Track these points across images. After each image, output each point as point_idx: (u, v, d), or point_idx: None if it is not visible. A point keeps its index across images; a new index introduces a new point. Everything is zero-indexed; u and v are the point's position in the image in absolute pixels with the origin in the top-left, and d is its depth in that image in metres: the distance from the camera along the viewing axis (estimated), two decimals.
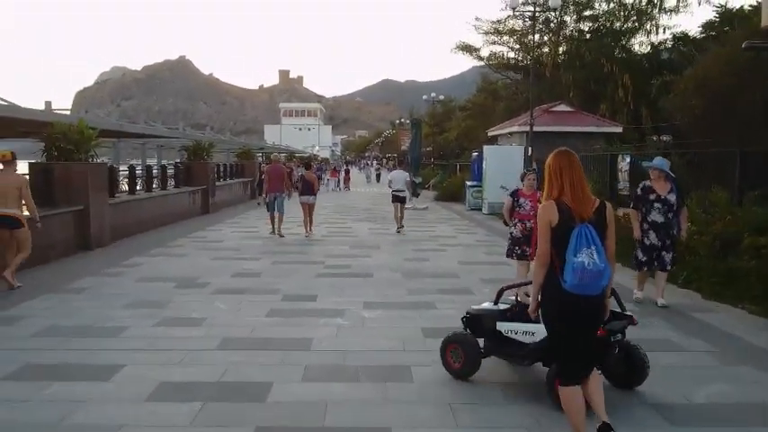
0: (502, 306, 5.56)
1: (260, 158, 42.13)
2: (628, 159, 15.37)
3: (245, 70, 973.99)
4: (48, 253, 11.59)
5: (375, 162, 72.44)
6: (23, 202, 9.26)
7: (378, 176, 51.27)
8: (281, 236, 15.66)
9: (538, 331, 4.88)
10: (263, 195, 16.97)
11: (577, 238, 3.86)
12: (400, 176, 18.31)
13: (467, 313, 5.71)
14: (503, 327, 5.32)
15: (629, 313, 5.08)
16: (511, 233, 8.95)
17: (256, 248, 13.66)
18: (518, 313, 5.31)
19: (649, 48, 32.05)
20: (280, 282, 9.83)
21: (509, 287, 5.79)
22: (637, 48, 32.80)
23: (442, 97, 52.67)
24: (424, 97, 48.64)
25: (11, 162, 9.27)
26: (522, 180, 9.01)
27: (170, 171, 21.25)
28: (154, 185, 19.18)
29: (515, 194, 8.86)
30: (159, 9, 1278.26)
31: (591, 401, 4.12)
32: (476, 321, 5.59)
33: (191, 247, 13.81)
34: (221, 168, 27.81)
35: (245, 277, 10.25)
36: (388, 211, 22.11)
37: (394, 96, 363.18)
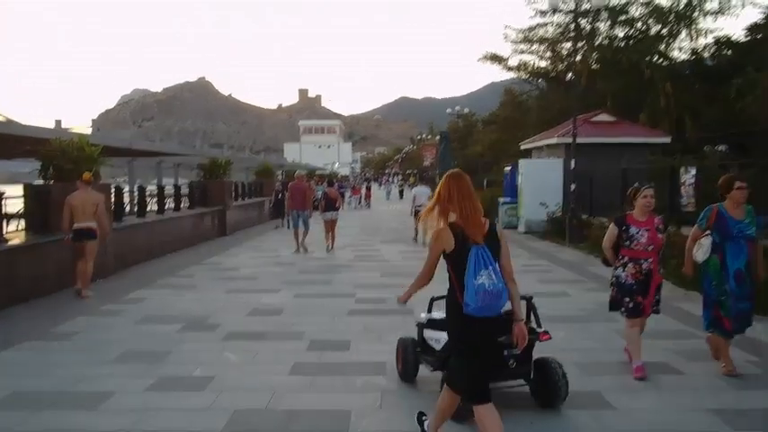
0: (435, 315, 5.56)
1: (279, 176, 40.92)
2: (693, 172, 13.65)
3: (263, 90, 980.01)
4: (38, 286, 10.16)
5: (398, 178, 70.90)
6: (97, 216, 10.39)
7: (401, 193, 49.79)
8: (306, 250, 15.81)
9: (441, 339, 5.07)
10: (285, 217, 17.13)
11: (475, 260, 3.84)
12: (423, 192, 18.78)
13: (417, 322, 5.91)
14: (426, 334, 5.60)
15: (540, 329, 5.27)
16: (617, 278, 6.24)
17: (277, 277, 12.10)
18: (439, 321, 5.24)
19: (690, 53, 30.21)
20: (304, 322, 8.25)
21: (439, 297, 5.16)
22: (676, 54, 30.99)
23: (467, 110, 51.10)
24: (448, 111, 47.18)
25: (89, 182, 10.56)
26: (632, 200, 6.26)
27: (184, 191, 19.87)
28: (166, 207, 17.81)
29: (623, 221, 6.19)
30: (179, 31, 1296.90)
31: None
32: (418, 329, 5.82)
33: (203, 276, 12.29)
34: (239, 187, 26.42)
35: (263, 316, 8.69)
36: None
37: (412, 113, 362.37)
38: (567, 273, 12.62)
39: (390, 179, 69.19)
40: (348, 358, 6.56)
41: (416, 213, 17.54)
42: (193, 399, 5.39)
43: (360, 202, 40.34)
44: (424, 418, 4.67)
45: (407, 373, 5.80)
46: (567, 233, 18.47)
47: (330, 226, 16.41)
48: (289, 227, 15.91)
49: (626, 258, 6.16)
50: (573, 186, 18.86)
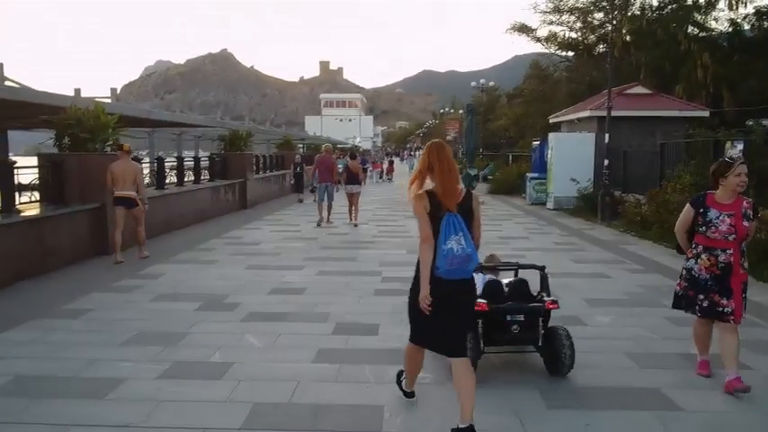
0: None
1: (300, 150, 40.36)
2: (740, 147, 12.85)
3: (285, 62, 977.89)
4: (51, 260, 9.76)
5: (419, 152, 70.13)
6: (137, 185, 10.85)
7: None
8: (331, 222, 16.20)
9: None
10: (310, 188, 17.85)
11: (446, 226, 4.00)
12: None
13: None
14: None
15: (548, 299, 5.39)
16: (688, 270, 5.18)
17: (299, 253, 11.61)
18: None
19: (728, 24, 28.98)
20: (329, 302, 7.74)
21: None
22: (714, 24, 29.76)
23: (492, 83, 49.96)
24: (473, 84, 46.08)
25: (128, 152, 11.03)
26: (719, 177, 5.02)
27: (204, 163, 19.41)
28: (186, 179, 17.37)
29: (701, 202, 5.08)
30: (202, 1, 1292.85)
31: (458, 394, 4.10)
32: None
33: (223, 251, 11.83)
34: (260, 160, 25.92)
35: (285, 294, 8.19)
36: None
37: (434, 87, 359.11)
38: (602, 252, 11.97)
39: (413, 153, 68.26)
40: (377, 344, 6.03)
41: None
42: (210, 389, 4.89)
43: (381, 177, 39.82)
44: (402, 378, 4.79)
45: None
46: (600, 210, 17.75)
47: (353, 199, 16.48)
48: (318, 199, 16.27)
49: (700, 248, 5.07)
50: (606, 162, 18.09)
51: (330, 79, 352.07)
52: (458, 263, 3.98)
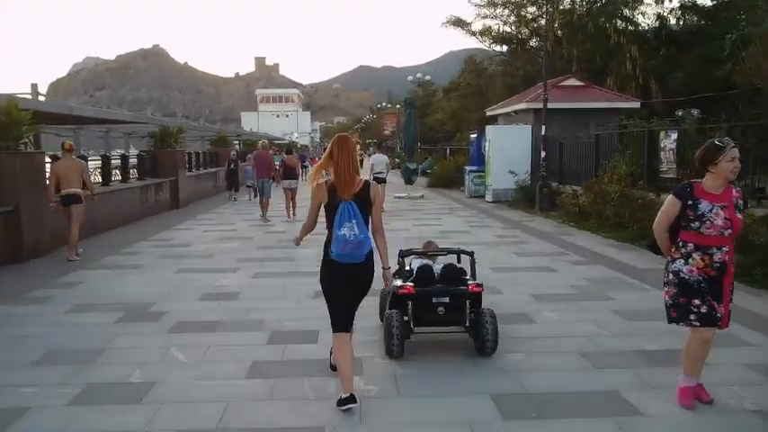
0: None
1: (236, 146, 39.35)
2: (674, 136, 12.92)
3: (219, 58, 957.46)
4: None
5: (358, 147, 69.57)
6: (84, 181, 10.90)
7: (361, 162, 48.70)
8: (268, 220, 15.90)
9: None
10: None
11: (341, 214, 4.30)
12: (381, 160, 19.27)
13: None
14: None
15: (473, 282, 5.68)
16: (677, 274, 4.39)
17: (233, 254, 11.02)
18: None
19: (655, 18, 29.64)
20: (264, 307, 7.23)
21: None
22: (641, 18, 30.40)
23: (428, 77, 49.96)
24: (410, 78, 45.91)
25: (70, 150, 10.97)
26: (707, 163, 4.29)
27: (133, 161, 18.48)
28: (114, 178, 16.46)
29: (689, 193, 4.30)
30: None
31: (338, 366, 4.50)
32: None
33: (151, 254, 11.13)
34: (193, 157, 24.99)
35: (217, 300, 7.63)
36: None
37: (371, 82, 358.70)
38: (545, 244, 11.83)
39: None
40: (317, 353, 5.58)
41: (375, 180, 17.21)
42: (127, 415, 4.33)
43: None
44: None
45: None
46: (538, 202, 17.76)
47: (292, 194, 16.40)
48: (257, 195, 16.89)
49: (690, 246, 4.31)
50: (543, 153, 18.10)
51: (266, 75, 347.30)
52: (350, 248, 4.29)
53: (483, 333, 5.37)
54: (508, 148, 20.21)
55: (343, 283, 4.46)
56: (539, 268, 9.42)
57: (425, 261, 6.11)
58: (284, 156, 17.94)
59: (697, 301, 4.31)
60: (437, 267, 5.96)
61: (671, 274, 4.46)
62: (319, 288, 6.03)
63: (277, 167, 17.39)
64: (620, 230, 12.63)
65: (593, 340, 5.87)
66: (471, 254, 6.08)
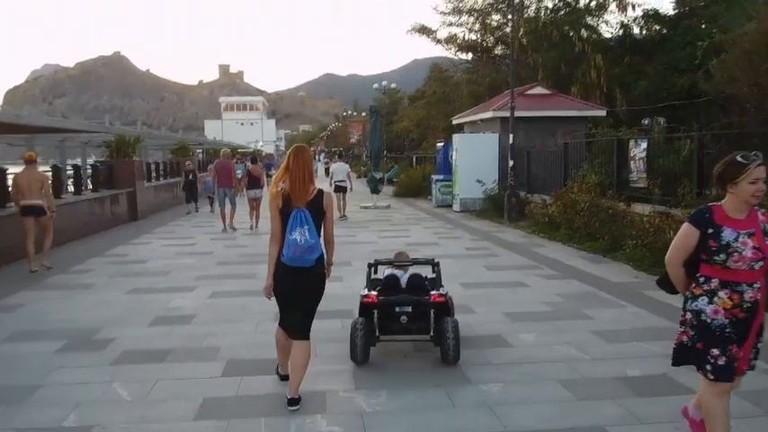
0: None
1: (199, 155, 38.50)
2: (644, 145, 12.74)
3: (183, 66, 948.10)
4: None
5: (323, 156, 68.96)
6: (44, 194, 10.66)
7: (326, 171, 48.16)
8: (234, 229, 15.82)
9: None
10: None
11: (293, 220, 4.53)
12: (342, 168, 19.74)
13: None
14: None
15: (435, 292, 5.72)
16: (697, 314, 3.62)
17: (191, 271, 10.45)
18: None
19: (619, 27, 29.79)
20: (221, 332, 6.72)
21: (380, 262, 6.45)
22: (604, 27, 30.54)
23: (394, 85, 49.71)
24: (375, 86, 45.61)
25: (34, 161, 10.84)
26: (727, 183, 3.56)
27: (88, 172, 17.74)
28: (66, 190, 15.72)
29: (707, 219, 3.58)
30: (92, 3, 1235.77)
31: (291, 370, 4.79)
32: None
33: (103, 272, 10.49)
34: (152, 167, 24.23)
35: (170, 324, 7.09)
36: (349, 211, 19.27)
37: (336, 90, 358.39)
38: (515, 257, 11.51)
39: (317, 157, 67.25)
40: (276, 387, 5.10)
41: (336, 189, 18.39)
42: None
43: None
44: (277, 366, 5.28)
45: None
46: (506, 212, 17.50)
47: (255, 204, 16.31)
48: (219, 205, 16.34)
49: (715, 282, 3.56)
50: (512, 162, 17.86)
51: (231, 83, 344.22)
52: (300, 252, 4.51)
53: (445, 344, 5.47)
54: (475, 157, 19.96)
55: (291, 284, 4.68)
56: (511, 284, 9.07)
57: (394, 271, 6.18)
58: (249, 165, 17.67)
59: (716, 351, 3.54)
60: (405, 278, 6.03)
61: (690, 314, 3.66)
62: None
63: (239, 177, 17.10)
64: (590, 241, 12.38)
65: (573, 366, 5.49)
66: (436, 264, 6.26)
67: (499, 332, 6.55)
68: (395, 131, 49.80)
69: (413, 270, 6.32)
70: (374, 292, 5.78)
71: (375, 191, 23.56)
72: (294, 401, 4.65)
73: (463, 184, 20.31)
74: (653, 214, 10.83)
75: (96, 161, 19.61)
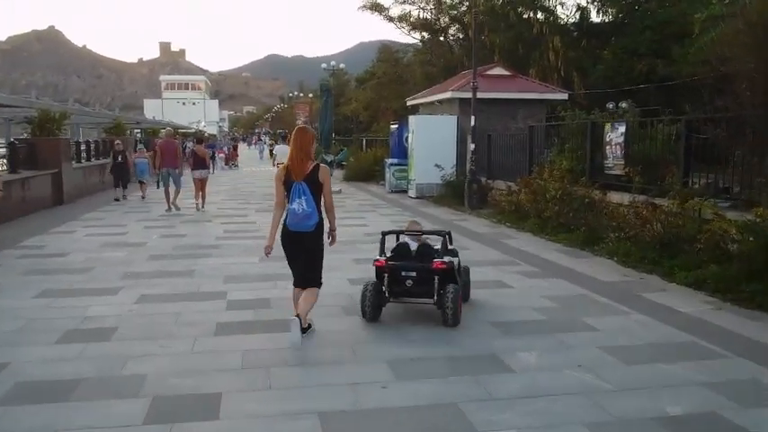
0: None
1: (137, 135, 36.31)
2: (621, 129, 11.80)
3: (122, 42, 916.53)
4: None
5: (268, 138, 66.75)
6: None
7: (271, 153, 46.42)
8: (178, 208, 15.66)
9: None
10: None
11: (294, 192, 5.34)
12: (285, 150, 19.48)
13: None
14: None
15: (439, 259, 6.15)
16: None
17: (118, 267, 8.97)
18: None
19: (576, 9, 29.08)
20: (147, 353, 5.36)
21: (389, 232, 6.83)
22: (560, 10, 29.83)
23: (343, 66, 48.09)
24: (323, 66, 43.76)
25: None
26: None
27: (2, 150, 15.85)
28: None
29: None
30: None
31: (300, 304, 5.50)
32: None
33: (12, 268, 8.90)
34: (82, 146, 22.25)
35: (83, 342, 5.67)
36: None
37: (281, 72, 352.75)
38: (487, 250, 10.43)
39: (262, 138, 65.07)
40: None
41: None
42: None
43: (226, 164, 36.72)
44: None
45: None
46: (467, 199, 16.45)
47: (200, 185, 16.08)
48: (161, 185, 16.05)
49: None
50: (473, 146, 16.79)
51: (172, 61, 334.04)
52: (298, 219, 5.29)
53: (445, 305, 5.94)
54: (433, 140, 18.82)
55: (294, 246, 5.49)
56: (490, 283, 7.95)
57: (406, 240, 6.66)
58: (194, 145, 17.47)
59: None
60: (415, 246, 6.47)
61: None
62: (223, 321, 6.26)
63: (185, 157, 16.71)
64: (564, 233, 11.41)
65: (597, 401, 4.37)
66: (446, 233, 6.68)
67: (493, 350, 5.40)
68: (342, 114, 48.38)
69: (425, 240, 6.76)
70: (383, 258, 6.26)
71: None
72: (305, 329, 5.42)
73: (420, 169, 19.17)
74: (639, 205, 9.87)
75: (15, 139, 17.62)
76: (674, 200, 9.25)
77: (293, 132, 5.54)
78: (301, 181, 5.32)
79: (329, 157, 22.73)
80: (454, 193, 17.51)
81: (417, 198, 18.93)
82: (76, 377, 4.81)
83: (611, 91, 22.95)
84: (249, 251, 10.16)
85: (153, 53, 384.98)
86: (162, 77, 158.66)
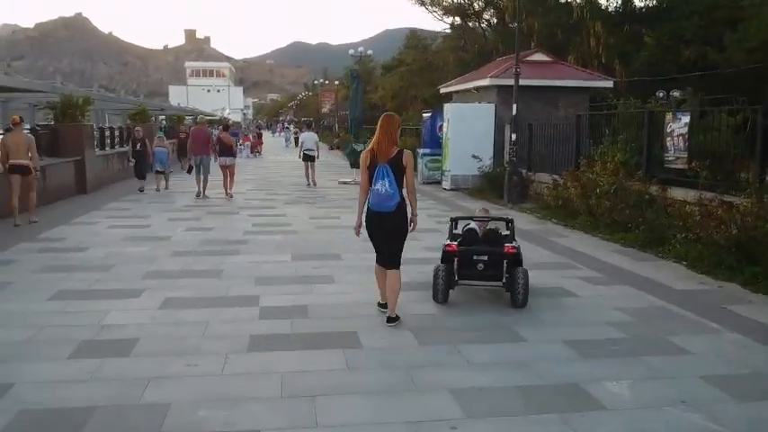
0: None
1: (162, 122, 35.83)
2: (685, 119, 10.84)
3: (147, 29, 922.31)
4: None
5: (293, 126, 66.15)
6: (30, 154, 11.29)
7: (296, 140, 45.71)
8: (207, 197, 15.81)
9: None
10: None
11: (377, 174, 5.58)
12: (311, 137, 20.47)
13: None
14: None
15: (509, 244, 6.51)
16: None
17: (141, 264, 8.28)
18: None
19: None
20: (172, 373, 4.63)
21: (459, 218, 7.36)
22: None
23: (371, 52, 47.14)
24: (351, 52, 42.89)
25: (19, 124, 11.60)
26: None
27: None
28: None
29: None
30: None
31: (387, 294, 5.86)
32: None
33: (28, 264, 8.24)
34: (106, 133, 21.69)
35: (99, 357, 4.96)
36: (326, 187, 17.35)
37: (305, 59, 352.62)
38: (539, 250, 9.55)
39: (288, 126, 64.44)
40: None
41: (305, 158, 19.58)
42: None
43: (252, 152, 36.09)
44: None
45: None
46: (507, 192, 15.57)
47: (227, 172, 16.24)
48: (194, 172, 16.04)
49: None
50: (514, 136, 15.88)
51: (197, 48, 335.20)
52: (381, 199, 5.60)
53: (516, 288, 6.21)
54: (470, 130, 17.94)
55: (378, 226, 5.73)
56: (550, 290, 7.12)
57: (473, 225, 6.91)
58: (221, 132, 16.96)
59: None
60: (480, 231, 6.77)
61: None
62: (257, 332, 5.64)
63: (215, 144, 16.39)
64: (618, 232, 10.52)
65: None
66: (510, 221, 7.01)
67: (574, 378, 4.58)
68: (369, 102, 47.51)
69: (490, 226, 6.99)
70: (455, 243, 6.52)
71: (355, 165, 21.42)
72: (392, 320, 5.74)
73: (455, 160, 18.31)
74: (709, 203, 8.93)
75: (37, 124, 17.07)
76: (752, 198, 8.32)
77: (381, 118, 5.82)
78: (385, 163, 5.55)
79: (359, 147, 21.91)
80: (492, 185, 16.64)
81: (452, 190, 18.09)
82: (90, 404, 4.09)
83: (656, 79, 21.80)
84: (280, 248, 9.44)
85: (178, 40, 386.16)
86: (187, 64, 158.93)
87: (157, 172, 17.55)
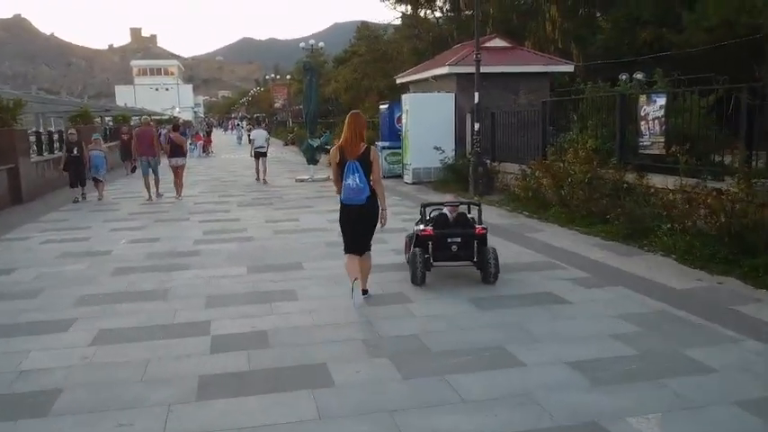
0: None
1: (108, 123, 34.23)
2: (660, 101, 10.26)
3: (91, 29, 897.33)
4: None
5: (246, 123, 64.45)
6: None
7: (248, 138, 44.42)
8: (160, 195, 15.74)
9: None
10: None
11: (347, 169, 5.99)
12: (261, 134, 20.50)
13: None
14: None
15: (479, 225, 6.99)
16: None
17: (74, 286, 7.28)
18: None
19: None
20: None
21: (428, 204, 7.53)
22: None
23: (322, 44, 45.97)
24: (301, 45, 41.66)
25: None
26: None
27: None
28: None
29: None
30: None
31: (359, 270, 6.19)
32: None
33: None
34: (43, 137, 20.29)
35: (11, 419, 4.03)
36: (282, 186, 16.44)
37: (255, 55, 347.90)
38: (516, 248, 8.85)
39: (239, 123, 62.88)
40: None
41: (256, 155, 19.54)
42: None
43: (204, 151, 34.75)
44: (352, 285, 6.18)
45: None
46: (472, 184, 14.88)
47: (178, 172, 15.81)
48: (143, 173, 15.78)
49: None
50: (477, 126, 15.17)
51: (143, 47, 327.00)
52: (352, 193, 6.01)
53: (487, 266, 6.74)
54: (430, 120, 17.19)
55: (350, 218, 6.21)
56: (538, 296, 6.40)
57: (443, 210, 7.25)
58: (170, 133, 16.60)
59: None
60: (451, 216, 7.11)
61: None
62: (207, 372, 4.75)
63: (162, 145, 16.10)
64: (596, 224, 9.92)
65: None
66: (478, 204, 7.55)
67: (589, 413, 3.83)
68: (322, 95, 46.42)
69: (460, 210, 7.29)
70: (429, 227, 6.83)
71: (312, 161, 20.61)
72: (365, 292, 6.30)
73: (416, 152, 17.54)
74: (692, 189, 8.34)
75: None
76: (740, 183, 7.75)
77: (348, 116, 6.15)
78: (354, 160, 5.93)
79: (315, 142, 21.04)
80: (457, 177, 15.94)
81: (414, 184, 17.35)
82: None
83: (614, 62, 21.40)
84: (235, 259, 8.53)
85: (124, 39, 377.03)
86: (133, 63, 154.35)
87: (94, 179, 15.92)
